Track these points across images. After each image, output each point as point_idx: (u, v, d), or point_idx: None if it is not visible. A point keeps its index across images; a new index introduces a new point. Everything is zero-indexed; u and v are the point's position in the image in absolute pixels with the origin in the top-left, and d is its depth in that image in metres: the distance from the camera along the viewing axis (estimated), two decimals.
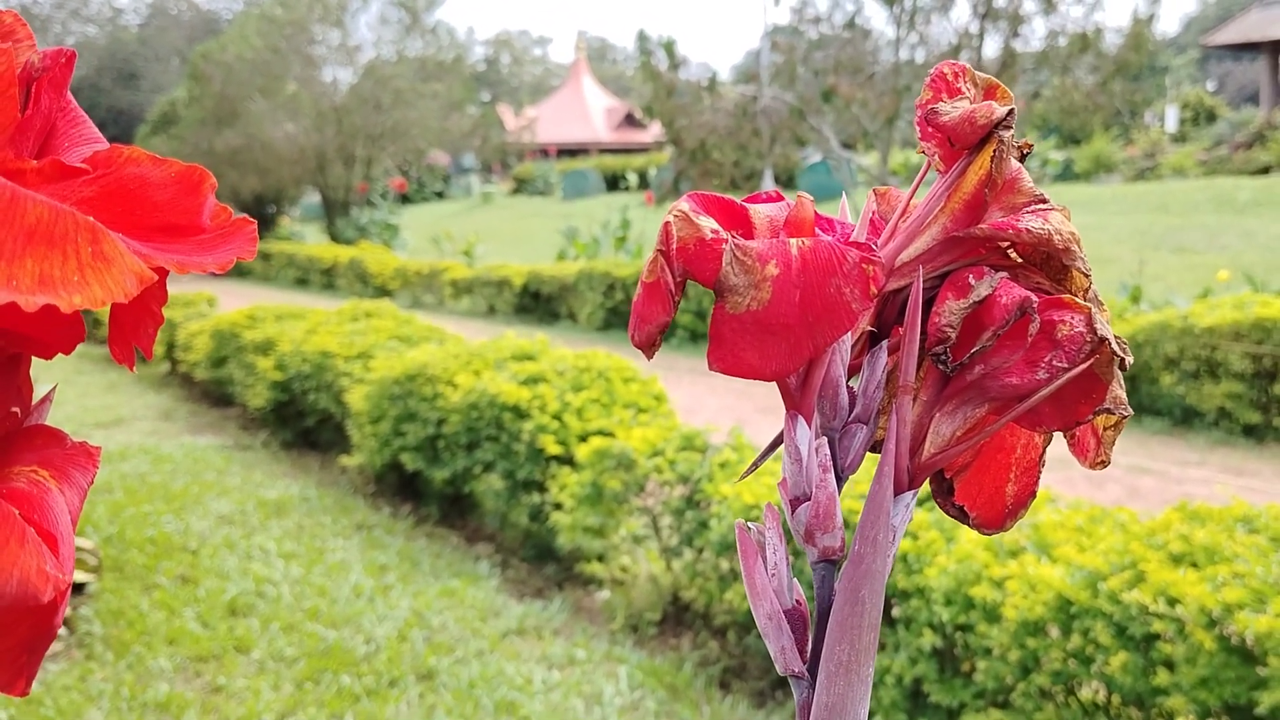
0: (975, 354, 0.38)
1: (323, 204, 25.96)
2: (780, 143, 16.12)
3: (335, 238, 24.08)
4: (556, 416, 5.31)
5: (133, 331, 0.38)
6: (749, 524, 0.43)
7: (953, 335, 0.38)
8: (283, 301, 10.27)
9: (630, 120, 48.43)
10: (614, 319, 12.82)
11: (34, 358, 0.39)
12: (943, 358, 0.39)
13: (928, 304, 0.40)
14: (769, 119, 15.64)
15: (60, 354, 0.37)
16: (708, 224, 0.39)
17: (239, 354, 8.09)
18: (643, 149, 44.34)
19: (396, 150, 26.09)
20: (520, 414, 5.39)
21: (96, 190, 0.39)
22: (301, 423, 7.47)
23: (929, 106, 0.41)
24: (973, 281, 0.38)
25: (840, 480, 0.41)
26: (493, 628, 4.36)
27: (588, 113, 50.18)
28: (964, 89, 0.42)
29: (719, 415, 8.19)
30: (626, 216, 17.41)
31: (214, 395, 9.04)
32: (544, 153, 45.24)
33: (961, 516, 0.42)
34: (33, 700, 3.68)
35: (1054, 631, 3.05)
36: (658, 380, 5.86)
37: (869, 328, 0.42)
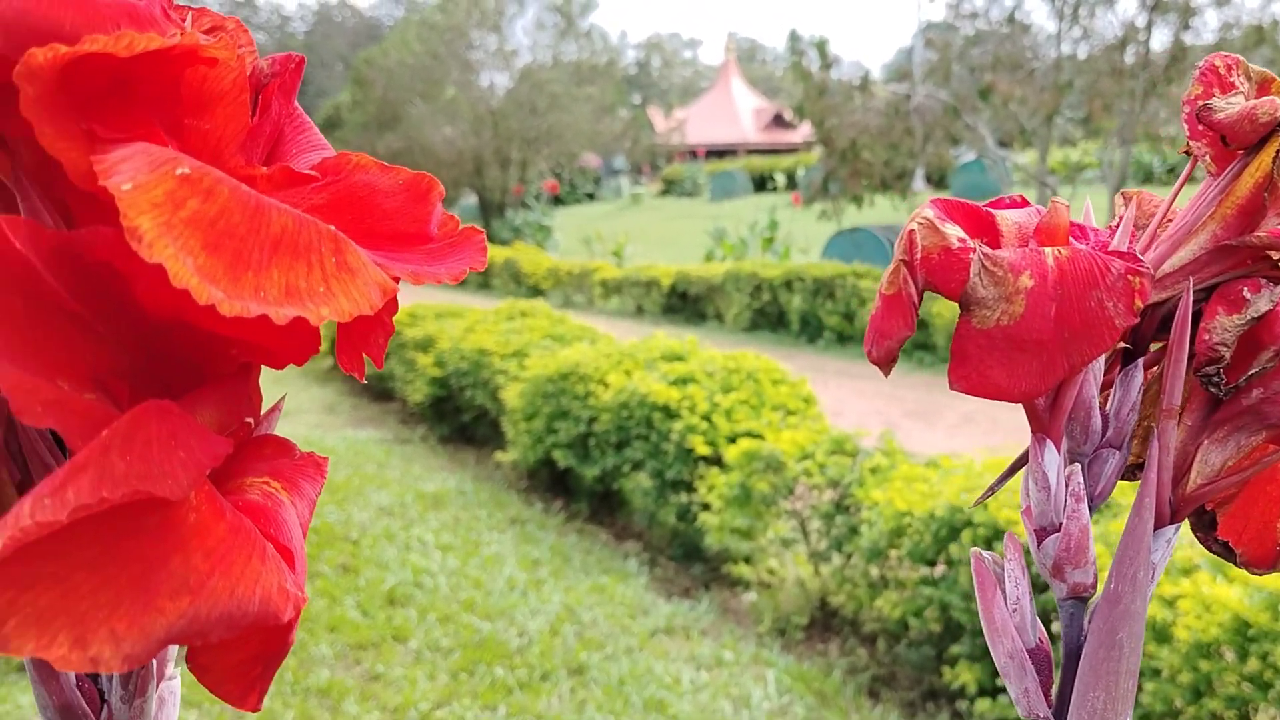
0: (1253, 376, 0.35)
1: (479, 206, 26.58)
2: (933, 141, 15.77)
3: (491, 238, 24.60)
4: (705, 417, 5.30)
5: (363, 340, 0.38)
6: (986, 554, 0.40)
7: (1226, 355, 0.35)
8: (442, 300, 10.53)
9: (778, 121, 48.08)
10: (760, 320, 12.74)
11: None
12: (1214, 379, 0.35)
13: (1193, 319, 0.37)
14: (922, 117, 15.31)
15: (293, 365, 0.37)
16: (954, 232, 0.37)
17: (400, 350, 8.34)
18: (791, 149, 43.98)
19: (550, 153, 26.49)
20: (670, 414, 5.40)
21: (326, 198, 0.39)
22: (458, 418, 7.65)
23: (1201, 103, 0.37)
24: (1248, 295, 0.35)
25: (1090, 510, 0.38)
26: (642, 625, 4.37)
27: (736, 114, 50.02)
28: (1237, 83, 0.38)
29: (867, 419, 8.05)
30: (774, 217, 17.29)
31: (375, 390, 9.33)
32: (692, 154, 45.29)
33: (1226, 554, 0.39)
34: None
35: (1229, 654, 2.89)
36: (807, 383, 5.79)
37: (1123, 344, 0.39)
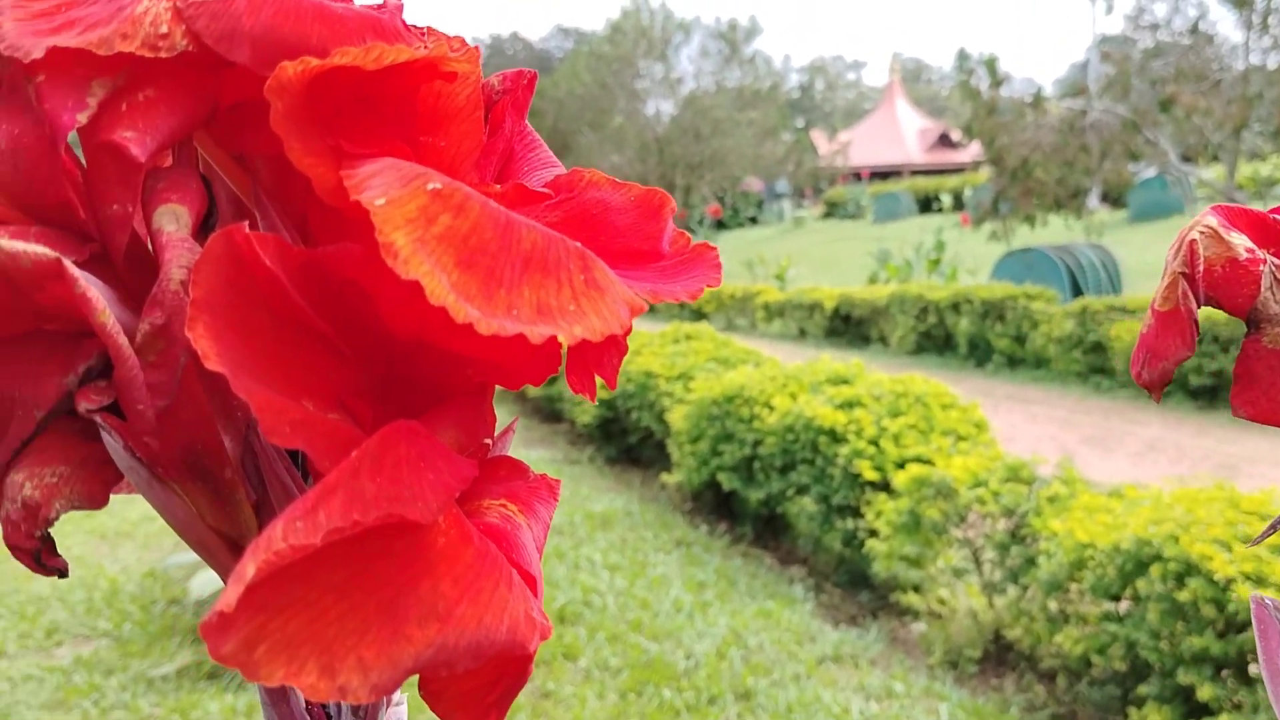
0: None
1: None
2: (1110, 158, 15.16)
3: None
4: (873, 442, 5.19)
5: (596, 361, 0.37)
6: (1268, 599, 0.36)
7: None
8: None
9: (944, 140, 47.10)
10: (926, 343, 12.45)
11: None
12: None
13: None
14: (1098, 133, 14.74)
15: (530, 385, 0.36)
16: (1240, 241, 0.33)
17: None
18: (957, 169, 43.01)
19: (714, 178, 26.63)
20: (836, 438, 5.31)
21: (560, 215, 0.38)
22: (625, 439, 7.71)
23: None
24: None
25: None
26: (809, 652, 4.30)
27: (900, 134, 49.23)
28: None
29: (1040, 445, 7.76)
30: (940, 238, 16.90)
31: (545, 411, 9.50)
32: (856, 176, 44.75)
33: None
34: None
35: None
36: (978, 407, 5.62)
37: None
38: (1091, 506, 4.08)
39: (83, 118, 0.29)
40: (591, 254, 0.31)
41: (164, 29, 0.30)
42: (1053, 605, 4.03)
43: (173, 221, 0.30)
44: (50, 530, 0.30)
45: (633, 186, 0.39)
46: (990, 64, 14.97)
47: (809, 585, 5.19)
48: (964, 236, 20.88)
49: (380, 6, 0.37)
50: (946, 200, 32.88)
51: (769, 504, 5.68)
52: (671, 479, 6.52)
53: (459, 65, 0.33)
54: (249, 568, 0.25)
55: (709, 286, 0.36)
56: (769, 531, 5.92)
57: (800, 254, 24.48)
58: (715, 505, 6.35)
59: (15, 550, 0.31)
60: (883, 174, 47.36)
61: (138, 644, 4.60)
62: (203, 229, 0.32)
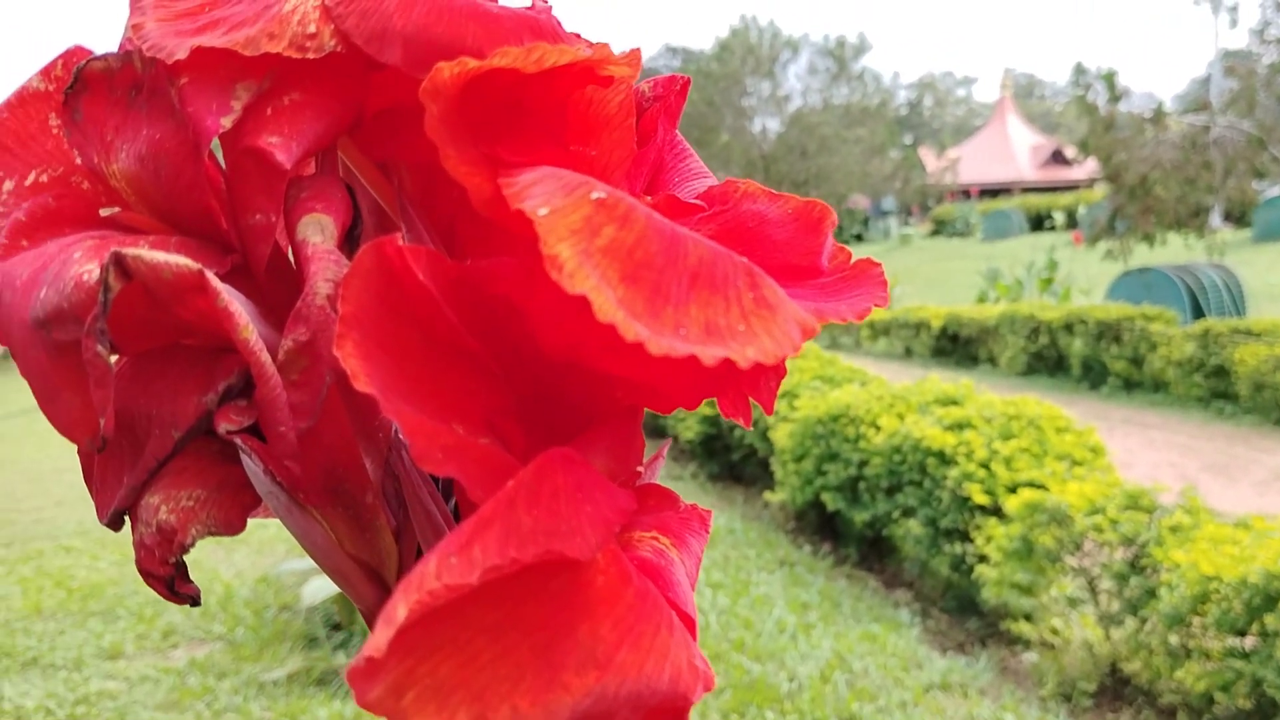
0: None
1: None
2: (1234, 175, 14.63)
3: None
4: (984, 465, 5.06)
5: (753, 384, 0.34)
6: None
7: None
8: None
9: (1057, 157, 46.06)
10: (1037, 364, 12.14)
11: None
12: None
13: None
14: (1222, 150, 14.24)
15: (682, 409, 0.34)
16: None
17: None
18: (1070, 187, 42.04)
19: (819, 195, 26.48)
20: (945, 460, 5.19)
21: (715, 229, 0.35)
22: (728, 456, 7.67)
23: None
24: None
25: None
26: (915, 679, 4.19)
27: (1011, 151, 48.28)
28: None
29: (1159, 471, 7.49)
30: (1053, 257, 16.48)
31: (649, 427, 9.51)
32: (964, 193, 43.99)
33: None
34: None
35: None
36: (1094, 432, 5.44)
37: None
38: (1217, 538, 3.91)
39: (226, 122, 0.28)
40: (759, 270, 0.29)
41: (312, 28, 0.28)
42: (1174, 639, 3.87)
43: (318, 232, 0.29)
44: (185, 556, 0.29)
45: (790, 198, 0.36)
46: (1108, 78, 14.58)
47: (915, 610, 5.08)
48: (1077, 255, 20.35)
49: (531, 7, 0.35)
50: (1059, 218, 32.12)
51: (874, 525, 5.58)
52: (775, 497, 6.45)
53: (618, 69, 0.31)
54: (400, 609, 0.23)
55: (876, 306, 0.33)
56: (874, 553, 5.81)
57: (907, 272, 24.12)
58: (819, 525, 6.26)
59: (147, 576, 0.29)
60: (992, 191, 46.47)
61: (250, 648, 4.70)
62: (347, 240, 0.30)
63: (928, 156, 41.08)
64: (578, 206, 0.26)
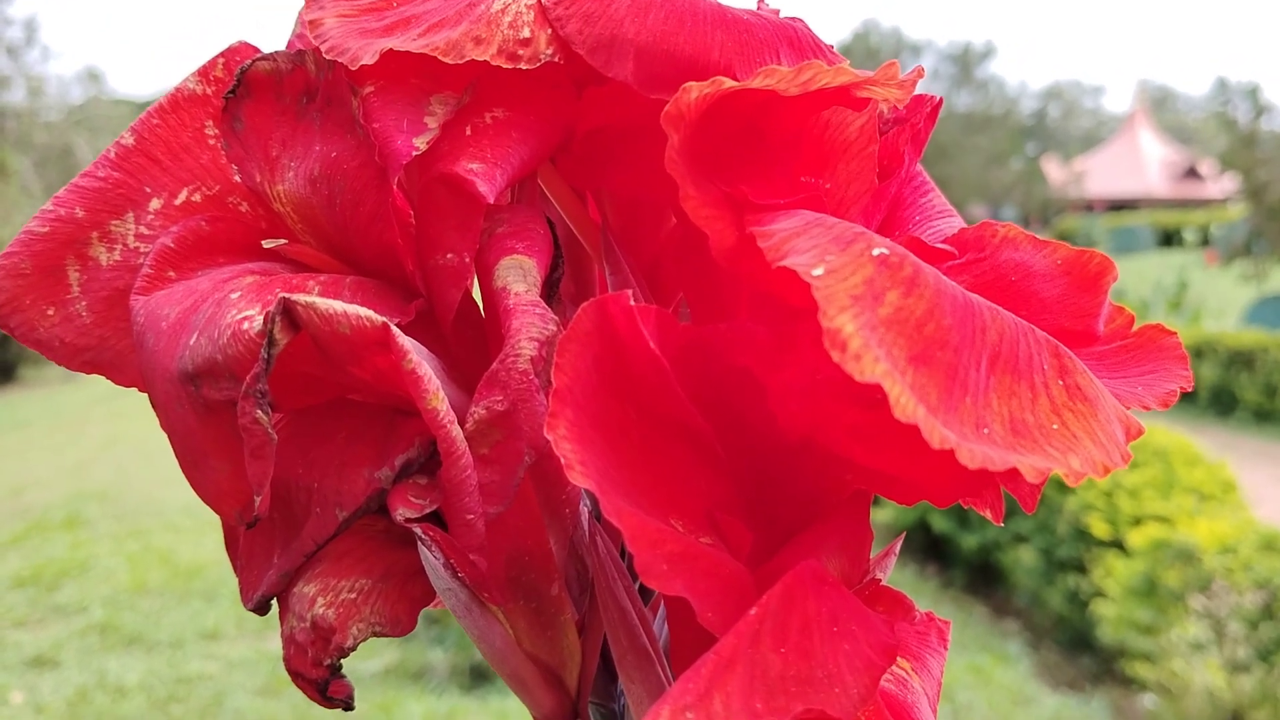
0: None
1: None
2: None
3: None
4: (1106, 495, 4.86)
5: (1013, 480, 0.28)
6: None
7: None
8: None
9: (1191, 173, 44.47)
10: None
11: None
12: None
13: None
14: None
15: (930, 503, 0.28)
16: None
17: None
18: (1203, 203, 40.61)
19: None
20: (1063, 488, 5.01)
21: (969, 281, 0.29)
22: None
23: None
24: None
25: None
26: (1025, 715, 4.04)
27: (1142, 165, 46.73)
28: None
29: None
30: (1183, 277, 15.88)
31: None
32: (1088, 207, 42.74)
33: None
34: None
35: None
36: (1227, 466, 5.19)
37: None
38: None
39: (421, 144, 0.23)
40: (1065, 348, 0.23)
41: (526, 33, 0.23)
42: None
43: (520, 279, 0.24)
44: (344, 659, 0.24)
45: (1058, 246, 0.30)
46: (1253, 94, 13.99)
47: (1025, 641, 4.90)
48: (1210, 276, 19.58)
49: (794, 19, 0.29)
50: (1190, 236, 30.98)
51: (984, 551, 5.41)
52: (880, 516, 6.31)
53: (888, 92, 0.25)
54: None
55: (1182, 390, 0.27)
56: (982, 579, 5.63)
57: None
58: (925, 547, 6.10)
59: (295, 677, 0.25)
60: (1118, 205, 45.04)
61: None
62: (547, 284, 0.25)
63: (1052, 167, 40.02)
64: (857, 266, 0.20)
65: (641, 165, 0.24)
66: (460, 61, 0.23)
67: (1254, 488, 7.76)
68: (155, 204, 0.27)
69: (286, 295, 0.21)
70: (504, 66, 0.23)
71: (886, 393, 0.19)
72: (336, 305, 0.22)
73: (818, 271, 0.20)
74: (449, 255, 0.24)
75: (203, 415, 0.23)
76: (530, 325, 0.23)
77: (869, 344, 0.19)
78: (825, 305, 0.19)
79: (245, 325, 0.22)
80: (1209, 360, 11.25)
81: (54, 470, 8.90)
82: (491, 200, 0.24)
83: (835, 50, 0.29)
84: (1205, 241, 29.65)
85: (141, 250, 0.27)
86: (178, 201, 0.27)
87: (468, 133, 0.24)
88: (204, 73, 0.28)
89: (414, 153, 0.23)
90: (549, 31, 0.24)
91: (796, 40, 0.25)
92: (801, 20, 0.27)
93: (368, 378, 0.23)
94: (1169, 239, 32.40)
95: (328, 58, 0.24)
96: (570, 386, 0.21)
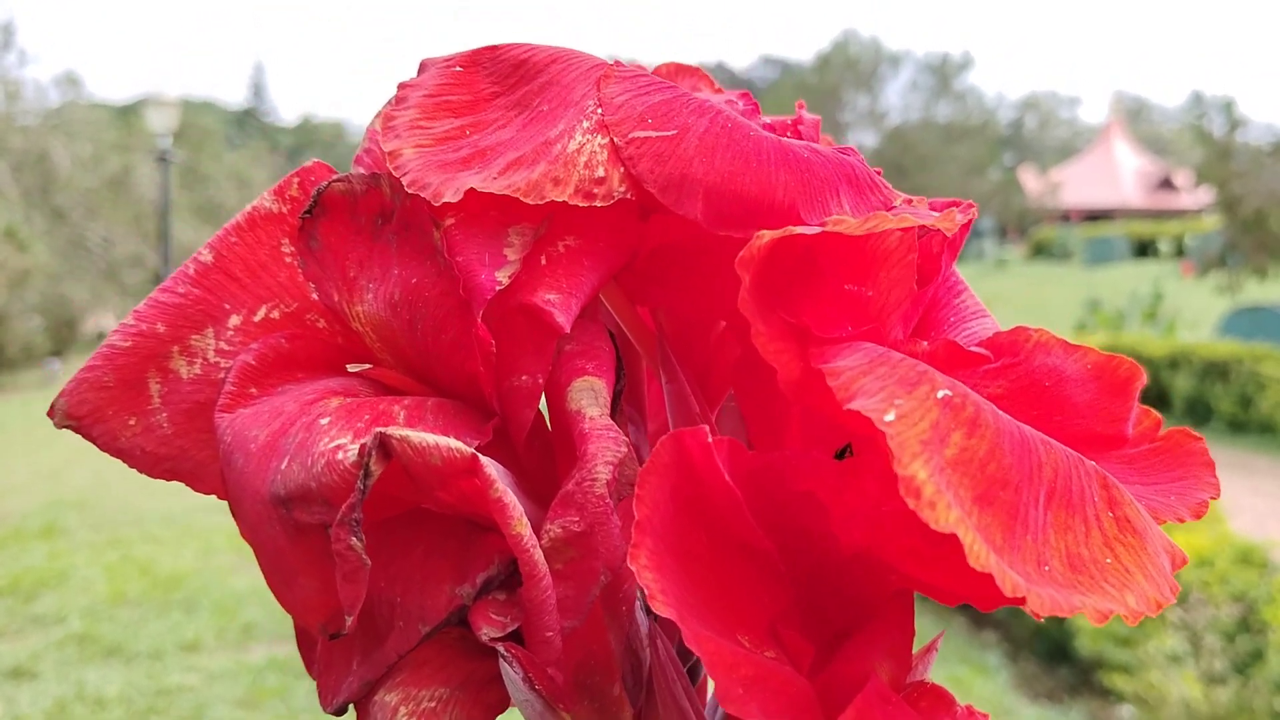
0: None
1: None
2: None
3: None
4: None
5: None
6: None
7: None
8: None
9: (1166, 183, 44.87)
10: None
11: None
12: None
13: None
14: None
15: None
16: None
17: None
18: (1178, 214, 40.97)
19: None
20: None
21: (1005, 386, 0.31)
22: None
23: None
24: None
25: None
26: None
27: (1117, 175, 47.10)
28: None
29: (1267, 521, 7.21)
30: (1158, 288, 16.00)
31: None
32: (1064, 217, 43.02)
33: None
34: None
35: None
36: None
37: None
38: None
39: (503, 278, 0.24)
40: (1112, 478, 0.24)
41: (600, 172, 0.25)
42: None
43: (593, 402, 0.25)
44: None
45: (1088, 351, 0.31)
46: (1228, 107, 14.13)
47: (1004, 653, 4.93)
48: (1186, 287, 19.75)
49: (796, 122, 0.31)
50: (1165, 247, 31.24)
51: None
52: None
53: (942, 223, 0.27)
54: None
55: (1210, 499, 0.28)
56: None
57: (1002, 296, 23.63)
58: None
59: None
60: (1094, 215, 45.38)
61: None
62: (612, 396, 0.27)
63: (1028, 177, 40.29)
64: (924, 410, 0.22)
65: (700, 282, 0.25)
66: (540, 202, 0.25)
67: (1229, 499, 7.84)
68: (235, 320, 0.28)
69: (382, 431, 0.23)
70: (580, 205, 0.25)
71: (960, 539, 0.20)
72: (428, 438, 0.23)
73: (889, 418, 0.21)
74: (524, 377, 0.25)
75: (293, 536, 0.24)
76: (605, 450, 0.24)
77: (941, 490, 0.20)
78: (899, 453, 0.21)
79: (340, 455, 0.23)
80: (1184, 371, 11.36)
81: (30, 476, 8.83)
82: (568, 330, 0.25)
83: (882, 177, 0.30)
84: (1180, 252, 29.92)
85: (222, 365, 0.28)
86: (256, 318, 0.28)
87: (543, 262, 0.25)
88: (279, 191, 0.29)
89: (497, 287, 0.25)
90: (621, 170, 0.25)
91: (854, 178, 0.27)
92: (854, 152, 0.28)
93: (451, 499, 0.25)
94: (1144, 249, 32.67)
95: (409, 190, 0.25)
96: (650, 517, 0.22)
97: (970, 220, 0.34)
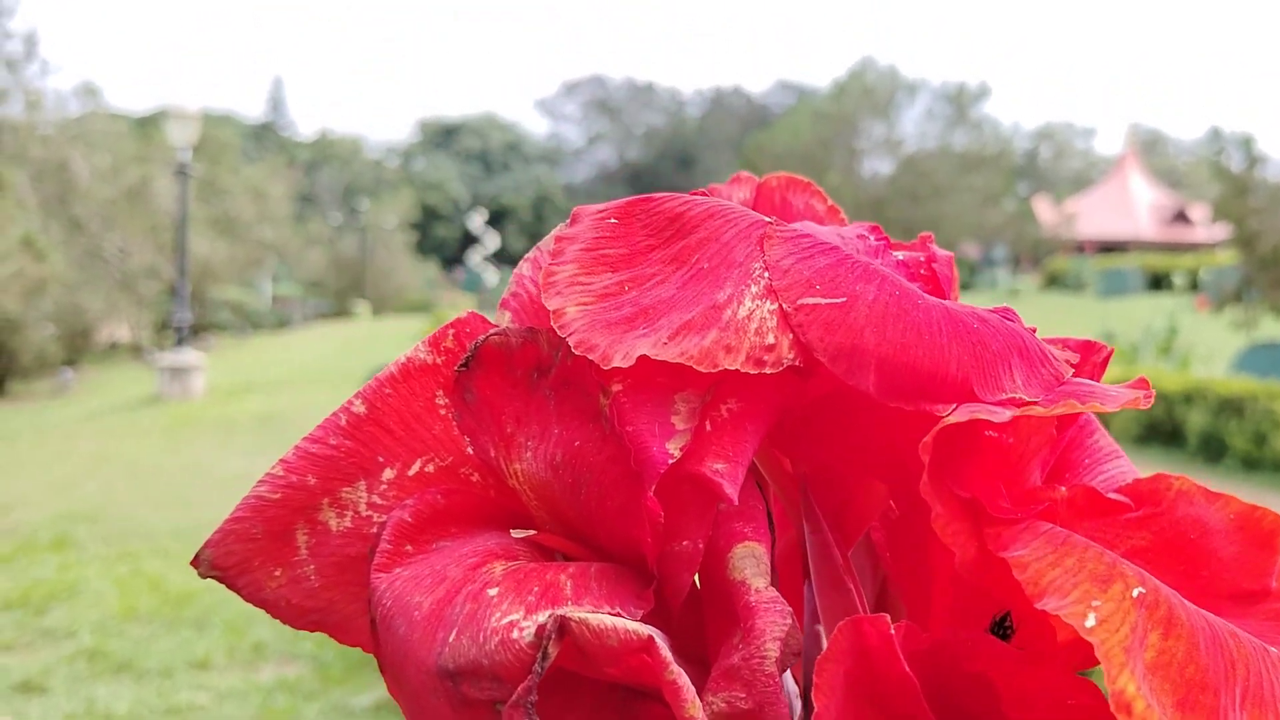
0: None
1: None
2: None
3: None
4: None
5: None
6: None
7: None
8: None
9: (1180, 216, 44.84)
10: (1151, 434, 11.72)
11: None
12: None
13: None
14: None
15: None
16: None
17: None
18: (1192, 247, 40.91)
19: None
20: None
21: (1148, 538, 0.30)
22: None
23: None
24: None
25: None
26: None
27: (1132, 207, 47.08)
28: None
29: None
30: (1173, 322, 15.96)
31: None
32: (1079, 248, 42.99)
33: None
34: None
35: None
36: None
37: None
38: None
39: (675, 450, 0.24)
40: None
41: (770, 339, 0.25)
42: None
43: (757, 572, 0.25)
44: None
45: (1229, 500, 0.31)
46: (1246, 143, 14.13)
47: None
48: (1200, 322, 19.70)
49: (930, 259, 0.31)
50: (1179, 280, 31.17)
51: None
52: None
53: (1138, 404, 0.26)
54: None
55: None
56: None
57: None
58: None
59: None
60: (1108, 247, 45.34)
61: (337, 671, 4.72)
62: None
63: (1043, 208, 40.30)
64: (1124, 613, 0.21)
65: (852, 439, 0.25)
66: (713, 371, 0.24)
67: None
68: (388, 474, 0.28)
69: (561, 614, 0.22)
70: (750, 373, 0.25)
71: None
72: (606, 620, 0.23)
73: (1089, 623, 0.21)
74: (685, 542, 0.25)
75: (458, 709, 0.24)
76: (773, 625, 0.24)
77: (1151, 706, 0.20)
78: (1106, 664, 0.20)
79: (515, 635, 0.23)
80: (1198, 407, 11.31)
81: (42, 487, 8.84)
82: (736, 501, 0.25)
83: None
84: (1194, 286, 29.85)
85: (375, 519, 0.28)
86: (411, 472, 0.28)
87: (708, 428, 0.25)
88: (434, 343, 0.29)
89: (670, 460, 0.24)
90: (790, 337, 0.25)
91: (1025, 349, 0.26)
92: (1015, 315, 0.28)
93: (618, 673, 0.24)
94: (1158, 282, 32.60)
95: (576, 352, 0.25)
96: (828, 705, 0.22)
97: (1107, 355, 0.34)
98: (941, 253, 0.32)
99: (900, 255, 0.32)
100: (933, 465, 0.23)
